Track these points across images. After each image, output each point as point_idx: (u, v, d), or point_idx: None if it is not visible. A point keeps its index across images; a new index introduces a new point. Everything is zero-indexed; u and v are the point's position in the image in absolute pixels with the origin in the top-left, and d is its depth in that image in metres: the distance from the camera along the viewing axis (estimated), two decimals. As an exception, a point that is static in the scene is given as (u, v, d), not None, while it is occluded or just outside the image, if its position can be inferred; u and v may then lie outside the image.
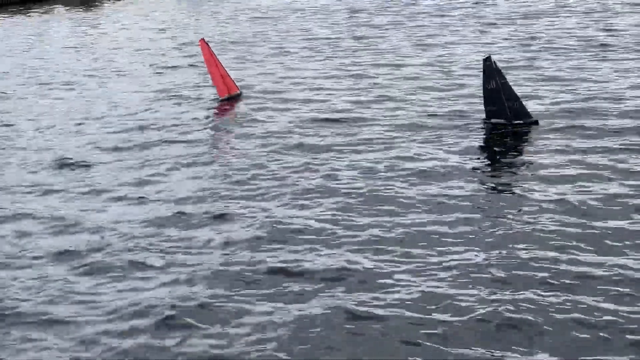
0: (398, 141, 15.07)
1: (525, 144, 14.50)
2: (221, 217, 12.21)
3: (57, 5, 47.12)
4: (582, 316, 8.44)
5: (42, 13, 44.21)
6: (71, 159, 16.16)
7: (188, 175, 14.49)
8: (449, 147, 14.37)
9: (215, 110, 19.33)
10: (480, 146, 14.54)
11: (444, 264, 9.93)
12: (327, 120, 17.17)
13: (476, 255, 10.05)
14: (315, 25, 30.81)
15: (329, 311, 8.99)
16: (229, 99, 19.79)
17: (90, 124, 18.92)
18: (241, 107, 19.23)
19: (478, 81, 17.99)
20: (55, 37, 34.87)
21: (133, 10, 42.94)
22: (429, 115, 16.66)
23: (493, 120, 15.18)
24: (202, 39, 20.33)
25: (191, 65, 25.14)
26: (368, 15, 32.02)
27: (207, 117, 18.75)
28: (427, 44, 24.64)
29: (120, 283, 10.31)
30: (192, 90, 21.52)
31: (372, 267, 10.04)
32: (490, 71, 14.84)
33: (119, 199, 13.56)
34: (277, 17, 34.11)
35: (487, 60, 14.88)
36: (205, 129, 17.77)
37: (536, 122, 14.97)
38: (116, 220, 12.51)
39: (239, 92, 20.10)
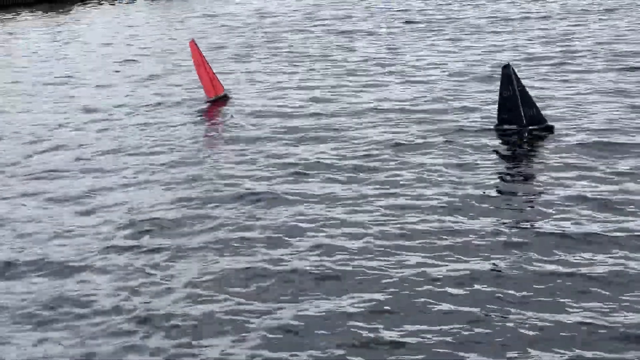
0: (405, 149, 14.93)
1: (539, 150, 14.44)
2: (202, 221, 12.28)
3: (23, 11, 47.04)
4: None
5: (7, 19, 44.11)
6: (53, 161, 16.31)
7: (170, 177, 14.68)
8: (460, 155, 14.26)
9: (205, 111, 19.89)
10: (494, 152, 14.45)
11: (453, 272, 9.89)
12: (325, 123, 17.37)
13: (486, 262, 10.08)
14: (289, 31, 31.60)
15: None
16: (217, 100, 20.50)
17: (73, 130, 18.92)
18: (229, 108, 19.79)
19: (485, 87, 18.51)
20: (24, 43, 34.86)
21: (104, 14, 43.14)
22: (435, 122, 16.54)
23: (506, 127, 15.06)
24: (192, 40, 20.93)
25: (173, 67, 25.70)
26: (344, 20, 32.90)
27: (197, 118, 19.24)
28: (421, 49, 25.02)
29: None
30: (180, 92, 21.92)
31: (378, 275, 9.88)
32: (508, 78, 14.71)
33: (100, 204, 13.54)
34: (249, 22, 34.83)
35: (506, 68, 14.74)
36: (194, 130, 18.15)
37: (551, 128, 14.92)
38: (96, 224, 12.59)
39: (224, 92, 20.83)
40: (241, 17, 37.05)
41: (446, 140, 15.11)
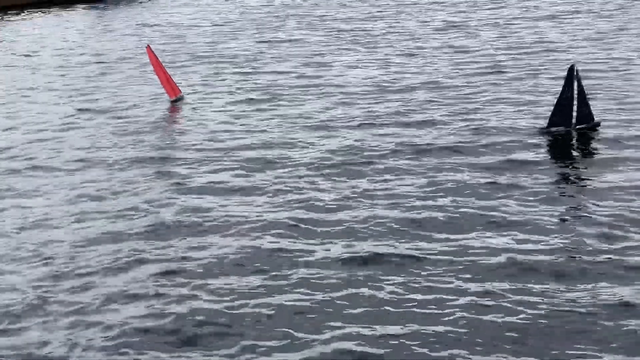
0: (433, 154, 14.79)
1: (588, 148, 14.70)
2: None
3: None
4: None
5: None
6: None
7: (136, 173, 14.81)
8: (510, 157, 14.26)
9: (168, 111, 19.88)
10: (544, 152, 14.51)
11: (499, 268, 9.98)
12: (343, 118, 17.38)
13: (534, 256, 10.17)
14: (231, 38, 31.74)
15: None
16: (177, 100, 21.14)
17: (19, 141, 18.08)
18: (189, 107, 19.83)
19: (534, 88, 18.34)
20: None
21: (41, 23, 42.63)
22: (479, 126, 16.27)
23: (553, 129, 15.43)
24: (148, 46, 21.53)
25: (125, 74, 25.07)
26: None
27: (162, 118, 19.11)
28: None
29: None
30: (143, 95, 21.65)
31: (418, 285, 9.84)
32: (571, 79, 15.23)
33: (66, 202, 13.56)
34: (186, 32, 34.60)
35: (571, 69, 15.26)
36: (161, 129, 18.06)
37: (598, 124, 15.39)
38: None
39: (182, 94, 21.66)
40: (182, 25, 36.98)
41: (494, 143, 15.08)
